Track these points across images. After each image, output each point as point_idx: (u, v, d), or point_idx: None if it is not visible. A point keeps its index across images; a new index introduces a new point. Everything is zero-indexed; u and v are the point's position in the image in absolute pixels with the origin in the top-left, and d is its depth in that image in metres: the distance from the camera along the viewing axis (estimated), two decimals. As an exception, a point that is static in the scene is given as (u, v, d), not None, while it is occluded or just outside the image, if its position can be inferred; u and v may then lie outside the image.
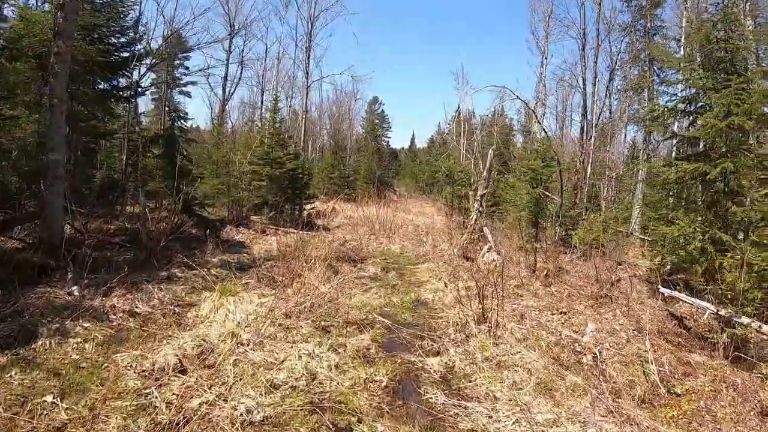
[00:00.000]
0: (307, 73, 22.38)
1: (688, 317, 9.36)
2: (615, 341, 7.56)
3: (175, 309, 7.64)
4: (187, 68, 45.12)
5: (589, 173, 21.00)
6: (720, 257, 9.57)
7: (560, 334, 7.56)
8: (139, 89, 15.06)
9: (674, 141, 22.32)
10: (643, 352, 7.13)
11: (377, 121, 65.19)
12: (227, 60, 33.16)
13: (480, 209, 13.67)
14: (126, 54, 14.18)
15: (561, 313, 8.52)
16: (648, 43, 25.02)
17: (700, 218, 11.55)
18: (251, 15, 29.06)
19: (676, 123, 14.77)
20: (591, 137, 21.07)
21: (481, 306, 7.24)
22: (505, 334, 7.03)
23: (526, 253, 12.25)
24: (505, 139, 37.87)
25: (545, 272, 10.39)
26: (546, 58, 27.89)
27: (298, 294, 7.73)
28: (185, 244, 12.74)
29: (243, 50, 33.75)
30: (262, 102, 26.31)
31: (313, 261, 9.68)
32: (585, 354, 6.93)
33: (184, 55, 47.90)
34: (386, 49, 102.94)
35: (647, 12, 24.80)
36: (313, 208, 21.61)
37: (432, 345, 6.69)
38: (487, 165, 14.01)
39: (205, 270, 10.27)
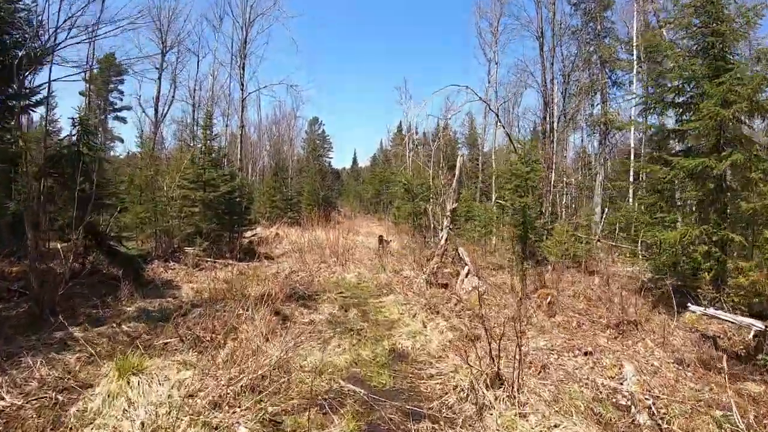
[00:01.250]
0: (242, 85, 19.90)
1: (721, 336, 7.58)
2: (662, 383, 5.64)
3: (59, 396, 5.11)
4: (121, 92, 42.04)
5: (553, 179, 19.46)
6: (736, 260, 8.10)
7: (596, 385, 5.53)
8: (36, 98, 12.06)
9: (641, 138, 21.32)
10: (697, 392, 5.41)
11: (318, 141, 63.01)
12: (159, 77, 30.42)
13: (450, 227, 11.51)
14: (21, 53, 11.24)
15: (585, 353, 6.48)
16: (598, 45, 24.15)
17: (695, 218, 10.11)
18: (185, 28, 26.60)
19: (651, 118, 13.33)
20: (553, 141, 19.55)
21: (494, 362, 5.04)
22: (530, 398, 4.89)
23: (510, 276, 10.24)
24: (451, 153, 36.42)
25: (548, 299, 8.31)
26: (496, 64, 26.59)
27: (234, 361, 5.30)
28: (96, 289, 10.20)
29: (176, 67, 31.02)
30: (194, 119, 23.64)
31: (254, 304, 7.26)
32: (638, 410, 4.92)
33: (118, 78, 44.90)
34: (324, 66, 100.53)
35: (596, 14, 23.91)
36: (254, 236, 18.98)
37: (434, 430, 4.46)
38: (456, 175, 11.91)
39: (115, 324, 7.83)
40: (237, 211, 16.86)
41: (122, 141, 41.47)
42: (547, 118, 19.49)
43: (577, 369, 6.01)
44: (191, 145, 21.33)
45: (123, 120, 43.32)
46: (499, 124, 14.62)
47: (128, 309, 9.15)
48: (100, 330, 7.41)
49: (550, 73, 19.41)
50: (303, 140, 55.12)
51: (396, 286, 10.77)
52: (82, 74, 28.74)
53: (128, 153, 37.99)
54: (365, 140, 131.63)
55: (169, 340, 6.66)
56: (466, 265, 10.38)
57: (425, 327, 7.73)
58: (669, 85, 10.80)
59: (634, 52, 22.35)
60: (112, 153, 39.63)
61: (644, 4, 21.75)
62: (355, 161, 76.90)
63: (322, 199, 35.09)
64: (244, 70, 19.60)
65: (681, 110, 10.59)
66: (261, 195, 30.48)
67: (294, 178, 38.57)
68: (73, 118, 11.68)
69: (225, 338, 6.19)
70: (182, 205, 15.63)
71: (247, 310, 7.11)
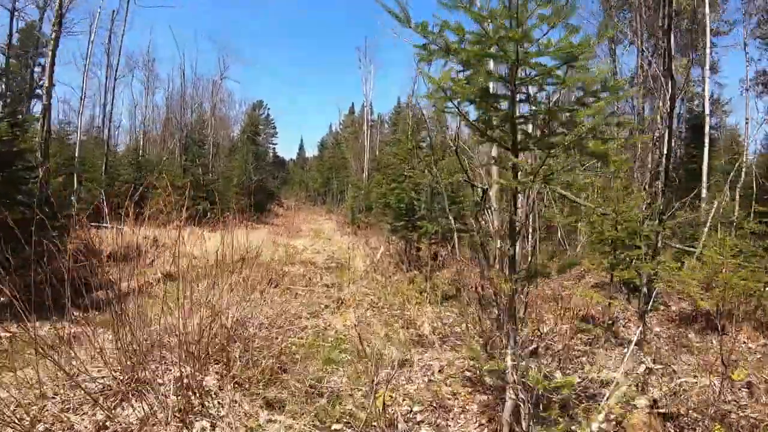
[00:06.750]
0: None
1: None
2: None
3: None
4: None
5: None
6: None
7: None
8: None
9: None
10: None
11: (262, 125, 52.47)
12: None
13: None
14: None
15: None
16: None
17: None
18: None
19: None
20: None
21: None
22: None
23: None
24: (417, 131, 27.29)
25: None
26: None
27: None
28: None
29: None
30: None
31: None
32: None
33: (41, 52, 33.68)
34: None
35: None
36: (69, 244, 8.67)
37: None
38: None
39: None
40: (24, 188, 7.11)
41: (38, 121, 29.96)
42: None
43: None
44: None
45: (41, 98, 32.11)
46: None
47: None
48: None
49: None
50: (241, 122, 44.42)
51: None
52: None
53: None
54: (313, 128, 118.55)
55: None
56: None
57: None
58: None
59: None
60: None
61: None
62: (301, 148, 66.94)
63: (257, 185, 25.11)
64: None
65: None
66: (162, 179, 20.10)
67: (222, 160, 28.23)
68: None
69: None
70: None
71: None
